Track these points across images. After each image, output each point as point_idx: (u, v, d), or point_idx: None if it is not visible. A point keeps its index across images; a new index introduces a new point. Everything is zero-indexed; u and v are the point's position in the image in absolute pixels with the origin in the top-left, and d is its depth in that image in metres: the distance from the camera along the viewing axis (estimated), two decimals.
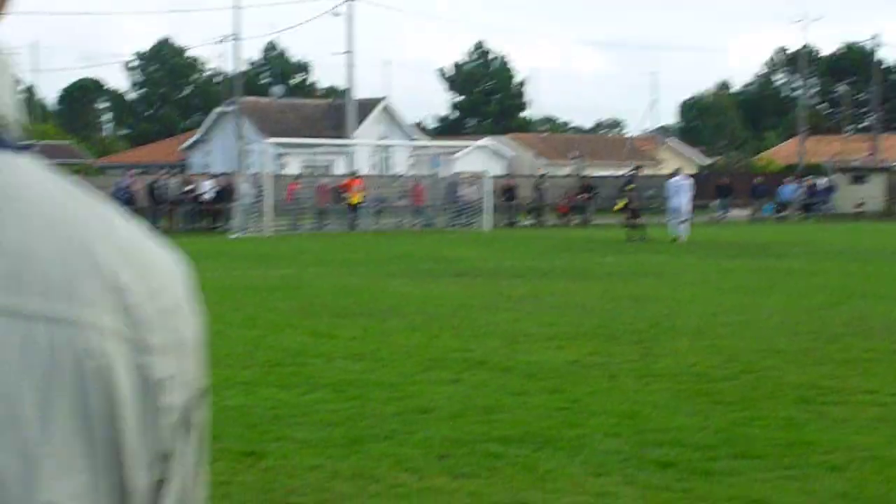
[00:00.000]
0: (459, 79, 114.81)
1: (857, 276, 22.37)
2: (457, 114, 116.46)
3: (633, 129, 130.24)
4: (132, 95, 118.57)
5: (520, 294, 18.87)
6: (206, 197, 45.56)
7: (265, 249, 32.55)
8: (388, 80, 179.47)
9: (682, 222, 36.49)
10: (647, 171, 73.58)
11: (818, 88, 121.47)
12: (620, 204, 44.99)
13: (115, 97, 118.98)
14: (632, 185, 37.78)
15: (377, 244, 35.56)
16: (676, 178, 39.05)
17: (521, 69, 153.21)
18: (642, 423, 8.82)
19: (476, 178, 51.48)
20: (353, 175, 48.20)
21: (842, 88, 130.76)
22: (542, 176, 52.44)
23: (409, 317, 15.71)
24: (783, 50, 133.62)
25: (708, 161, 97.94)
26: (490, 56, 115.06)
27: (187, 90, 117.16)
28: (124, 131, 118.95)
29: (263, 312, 16.19)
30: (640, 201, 38.31)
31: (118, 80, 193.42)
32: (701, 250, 31.17)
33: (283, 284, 20.76)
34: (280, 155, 66.21)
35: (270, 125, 79.18)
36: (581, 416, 9.12)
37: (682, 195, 37.29)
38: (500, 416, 9.16)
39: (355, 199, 45.51)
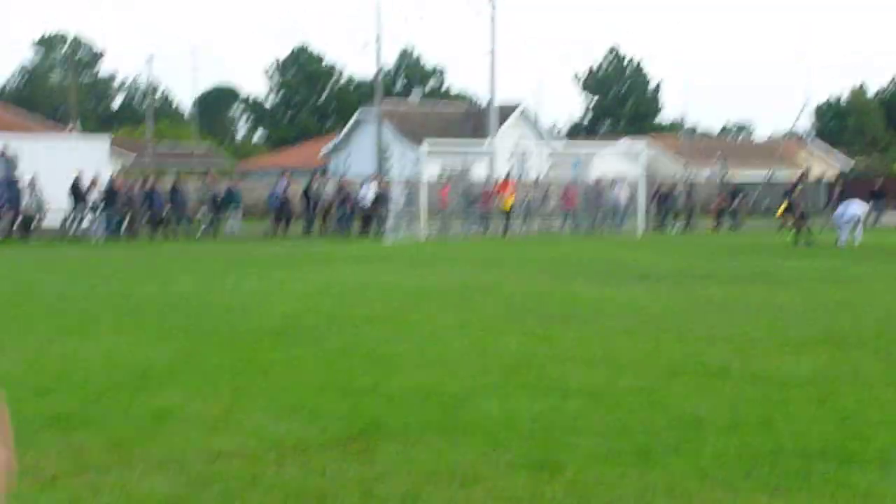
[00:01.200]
0: (594, 83, 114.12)
1: None
2: (590, 116, 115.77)
3: (760, 132, 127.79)
4: (269, 101, 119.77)
5: (716, 298, 18.34)
6: (365, 203, 45.52)
7: (427, 253, 32.36)
8: (521, 84, 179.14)
9: (857, 226, 35.69)
10: (786, 174, 72.27)
11: None
12: (783, 207, 44.13)
13: (253, 103, 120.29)
14: (799, 188, 36.94)
15: (537, 248, 35.20)
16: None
17: (654, 73, 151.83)
18: None
19: (625, 181, 50.88)
20: (506, 179, 47.87)
21: None
22: (695, 179, 51.20)
23: (619, 320, 15.30)
24: None
25: (850, 164, 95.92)
26: (624, 61, 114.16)
27: (324, 95, 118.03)
28: (260, 136, 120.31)
29: (466, 316, 15.89)
30: (806, 205, 37.44)
31: (254, 87, 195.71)
32: (875, 256, 30.29)
33: (467, 287, 20.48)
34: (420, 158, 66.32)
35: (410, 129, 79.38)
36: (867, 429, 8.62)
37: (856, 200, 36.62)
38: (778, 428, 8.70)
39: (508, 202, 45.22)
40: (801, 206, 36.39)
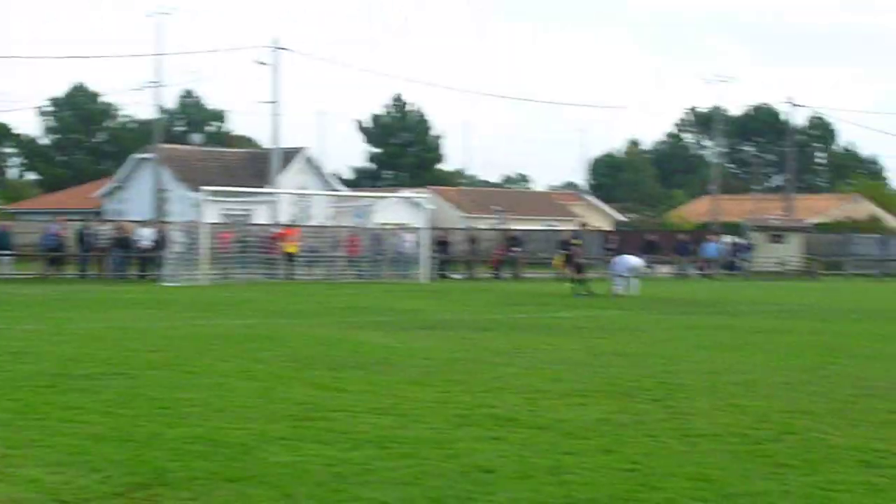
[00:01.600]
0: (377, 130, 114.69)
1: (827, 335, 22.36)
2: (373, 163, 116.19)
3: (540, 184, 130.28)
4: (44, 140, 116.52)
5: (502, 348, 18.51)
6: (144, 244, 44.66)
7: (209, 298, 31.88)
8: (305, 130, 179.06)
9: (634, 277, 36.63)
10: (562, 227, 73.88)
11: (726, 149, 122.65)
12: (559, 259, 44.98)
13: (26, 142, 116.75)
14: (578, 241, 37.67)
15: (321, 295, 35.06)
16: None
17: (436, 122, 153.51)
18: (723, 488, 8.48)
19: (410, 230, 51.20)
20: (291, 224, 47.63)
21: (749, 149, 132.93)
22: (476, 229, 51.65)
23: (406, 370, 15.28)
24: (693, 109, 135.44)
25: (623, 218, 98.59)
26: (407, 108, 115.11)
27: (101, 136, 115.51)
28: (33, 177, 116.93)
29: (252, 364, 15.66)
30: (584, 257, 38.22)
31: (27, 126, 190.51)
32: (648, 306, 31.09)
33: (254, 334, 20.24)
34: (201, 203, 65.48)
35: (190, 173, 78.30)
36: (654, 479, 8.75)
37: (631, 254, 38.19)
38: (571, 477, 8.77)
39: (292, 248, 44.97)
40: (579, 258, 37.13)
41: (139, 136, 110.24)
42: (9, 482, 8.31)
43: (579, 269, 36.86)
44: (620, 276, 36.45)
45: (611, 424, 11.23)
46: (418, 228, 51.20)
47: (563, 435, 10.59)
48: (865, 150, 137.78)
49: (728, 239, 65.06)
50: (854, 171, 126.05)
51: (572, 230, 40.83)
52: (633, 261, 36.82)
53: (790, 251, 67.07)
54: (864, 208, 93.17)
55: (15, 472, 8.65)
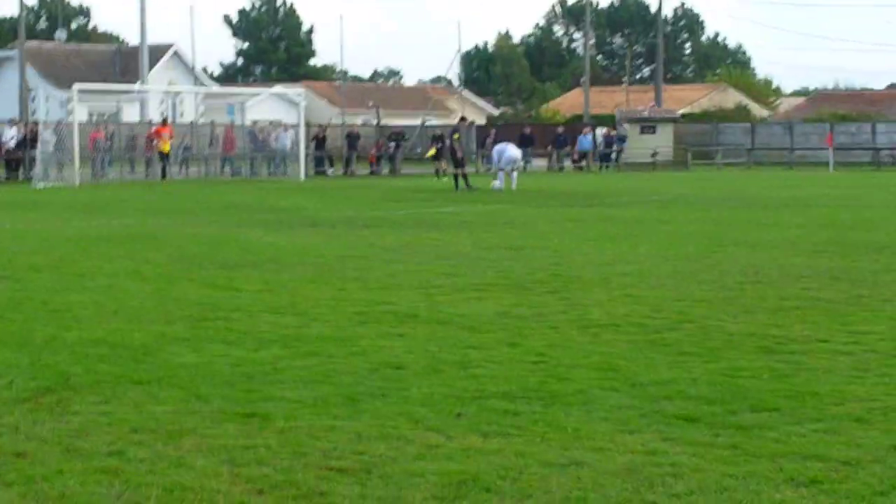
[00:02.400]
0: (246, 25, 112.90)
1: (707, 224, 22.74)
2: (242, 59, 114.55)
3: (409, 78, 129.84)
4: None
5: (391, 244, 18.49)
6: (10, 145, 43.59)
7: (84, 199, 31.34)
8: (173, 26, 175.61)
9: (513, 170, 36.69)
10: (436, 121, 73.85)
11: (594, 41, 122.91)
12: (432, 152, 44.91)
13: None
14: (458, 135, 37.58)
15: (199, 193, 34.65)
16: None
17: (307, 16, 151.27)
18: (630, 377, 8.58)
19: (284, 126, 50.69)
20: (163, 123, 46.80)
21: (618, 41, 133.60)
22: (359, 125, 51.10)
23: (299, 268, 15.18)
24: (562, 2, 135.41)
25: (496, 112, 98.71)
26: (276, 2, 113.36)
27: None
28: None
29: (140, 264, 15.43)
30: (463, 151, 38.19)
31: None
32: (530, 200, 31.28)
33: (136, 234, 19.93)
34: (68, 100, 64.03)
35: (56, 71, 76.50)
36: (561, 370, 8.83)
37: (510, 144, 37.99)
38: (480, 371, 8.81)
39: (166, 146, 44.25)
40: (459, 152, 37.08)
41: (1, 33, 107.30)
42: None
43: (460, 163, 36.82)
44: (501, 169, 36.51)
45: (511, 317, 11.29)
46: (293, 125, 50.72)
47: (465, 329, 10.63)
48: (732, 40, 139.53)
49: (601, 131, 65.52)
50: (721, 61, 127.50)
51: (453, 125, 40.58)
52: (513, 153, 36.83)
53: (661, 142, 67.80)
54: (731, 98, 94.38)
55: None
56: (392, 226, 22.30)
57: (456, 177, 36.55)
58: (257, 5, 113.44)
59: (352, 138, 52.92)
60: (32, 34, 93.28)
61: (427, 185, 39.09)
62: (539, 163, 60.46)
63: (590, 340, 10.11)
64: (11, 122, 46.05)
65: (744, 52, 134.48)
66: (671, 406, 7.72)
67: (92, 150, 44.74)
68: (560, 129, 63.47)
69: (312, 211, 26.58)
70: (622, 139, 65.46)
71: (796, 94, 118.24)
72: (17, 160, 44.20)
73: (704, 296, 12.68)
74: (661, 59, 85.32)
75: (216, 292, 12.88)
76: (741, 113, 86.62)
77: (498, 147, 37.78)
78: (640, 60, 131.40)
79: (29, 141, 43.26)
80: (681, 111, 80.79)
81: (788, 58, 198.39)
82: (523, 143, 58.80)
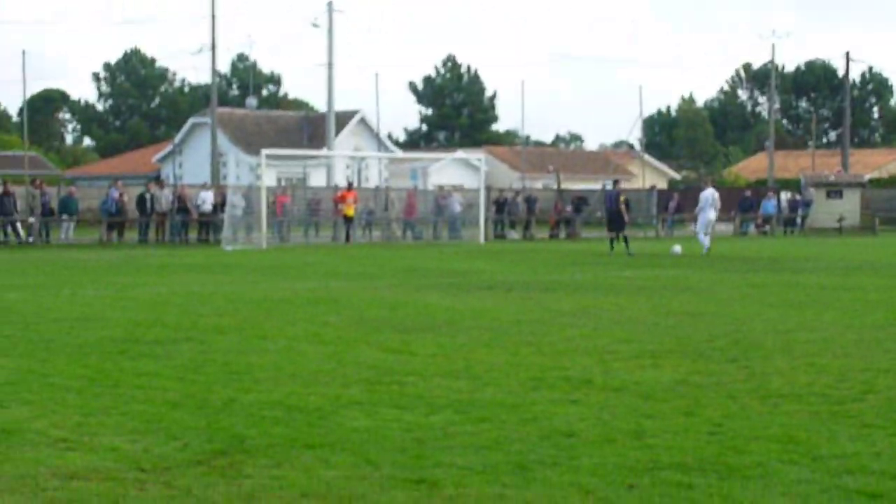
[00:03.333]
0: (430, 92, 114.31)
1: (893, 291, 22.02)
2: (425, 127, 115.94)
3: (590, 142, 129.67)
4: (99, 106, 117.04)
5: (567, 309, 18.31)
6: (206, 208, 44.79)
7: (270, 262, 31.88)
8: (359, 93, 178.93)
9: (707, 234, 36.45)
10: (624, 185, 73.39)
11: (778, 105, 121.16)
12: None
13: (83, 108, 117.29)
14: (624, 198, 37.31)
15: (381, 257, 34.98)
16: (708, 189, 38.55)
17: (490, 82, 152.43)
18: (811, 450, 8.26)
19: (464, 191, 51.01)
20: (348, 187, 47.54)
21: (804, 105, 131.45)
22: (533, 189, 50.91)
23: (473, 332, 15.13)
24: (748, 65, 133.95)
25: (678, 176, 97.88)
26: (461, 69, 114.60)
27: (156, 101, 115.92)
28: (89, 142, 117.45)
29: (319, 327, 15.56)
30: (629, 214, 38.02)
31: (83, 91, 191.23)
32: (713, 264, 30.80)
33: (318, 298, 20.14)
34: (257, 165, 65.60)
35: (246, 137, 78.51)
36: (739, 442, 8.55)
37: (710, 208, 37.10)
38: (653, 441, 8.58)
39: (350, 210, 44.89)
40: (626, 215, 36.88)
41: (194, 100, 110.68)
42: (87, 450, 8.23)
43: (621, 226, 36.59)
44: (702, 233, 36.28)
45: (688, 386, 11.03)
46: (473, 189, 51.01)
47: (640, 397, 10.41)
48: None
49: (786, 195, 64.38)
50: None
51: (614, 190, 40.13)
52: (707, 215, 36.64)
53: (848, 207, 66.23)
54: None
55: (92, 440, 8.57)
56: (569, 290, 22.13)
57: (613, 240, 36.29)
58: (442, 72, 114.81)
59: (531, 202, 52.93)
60: (224, 101, 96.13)
61: (604, 249, 38.76)
62: (722, 227, 59.62)
63: (769, 411, 9.79)
64: (206, 186, 47.27)
65: None
66: (853, 481, 7.40)
67: (280, 213, 45.63)
68: (747, 193, 62.49)
69: (489, 274, 26.58)
70: (807, 204, 64.21)
71: None
72: (209, 223, 45.33)
73: (891, 366, 12.21)
74: (848, 122, 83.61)
75: (392, 356, 12.89)
76: None
77: (701, 214, 37.23)
78: (827, 124, 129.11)
79: (220, 205, 44.36)
80: (868, 176, 78.91)
81: None
82: None
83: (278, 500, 6.99)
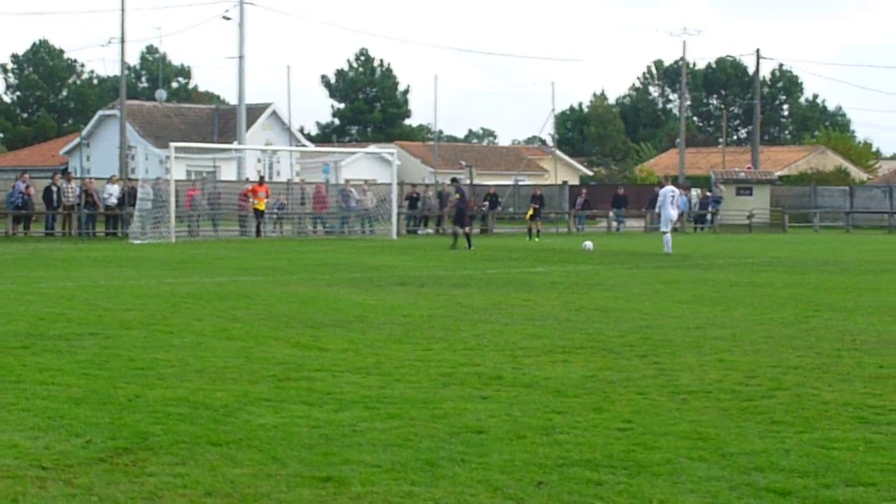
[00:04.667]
0: (343, 86, 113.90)
1: (804, 288, 22.28)
2: (338, 121, 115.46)
3: (503, 138, 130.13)
4: (7, 98, 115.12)
5: (479, 305, 18.29)
6: (111, 202, 44.22)
7: (179, 256, 31.55)
8: (270, 86, 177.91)
9: (665, 232, 34.71)
10: (528, 181, 73.80)
11: (689, 102, 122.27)
12: (530, 212, 44.96)
13: None
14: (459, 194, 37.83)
15: (292, 251, 34.76)
16: (667, 187, 36.56)
17: (403, 77, 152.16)
18: (720, 446, 8.29)
19: (375, 185, 50.87)
20: (259, 181, 47.21)
21: (715, 102, 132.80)
22: (452, 181, 50.31)
23: (385, 328, 15.05)
24: (660, 62, 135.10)
25: (590, 172, 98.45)
26: (374, 63, 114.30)
27: (64, 93, 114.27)
28: None
29: (228, 322, 15.40)
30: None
31: None
32: (624, 260, 30.98)
33: (227, 292, 19.93)
34: (167, 159, 64.92)
35: (155, 130, 77.68)
36: (648, 438, 8.56)
37: (671, 205, 34.96)
38: (563, 437, 8.56)
39: (261, 204, 44.56)
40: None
41: (103, 93, 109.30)
42: None
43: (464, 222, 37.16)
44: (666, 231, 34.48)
45: (598, 381, 11.04)
46: (385, 184, 50.89)
47: (550, 393, 10.40)
48: (831, 102, 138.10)
49: (696, 192, 65.03)
50: (820, 123, 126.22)
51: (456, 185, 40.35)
52: (670, 214, 34.73)
53: (758, 204, 67.08)
54: (830, 160, 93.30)
55: None
56: (481, 285, 22.12)
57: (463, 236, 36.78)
58: (355, 66, 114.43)
59: (443, 197, 52.94)
60: (134, 94, 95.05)
61: (518, 244, 38.89)
62: (633, 223, 60.11)
63: (679, 407, 9.82)
64: (112, 180, 46.66)
65: (843, 115, 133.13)
66: (762, 478, 7.43)
67: (189, 207, 45.17)
68: (656, 190, 62.97)
69: (402, 269, 26.50)
70: (717, 201, 64.90)
71: None
72: (116, 217, 44.78)
73: (799, 363, 12.32)
74: (759, 120, 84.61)
75: (301, 351, 12.77)
76: (840, 176, 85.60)
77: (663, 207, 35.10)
78: (737, 122, 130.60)
79: (128, 198, 43.80)
80: (778, 173, 79.95)
81: (888, 120, 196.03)
82: (617, 203, 58.60)
83: (182, 498, 6.86)
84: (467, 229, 36.95)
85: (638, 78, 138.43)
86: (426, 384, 10.77)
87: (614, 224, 58.40)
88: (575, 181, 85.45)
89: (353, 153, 79.44)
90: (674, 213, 35.31)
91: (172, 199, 41.56)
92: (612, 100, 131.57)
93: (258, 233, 44.60)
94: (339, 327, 15.01)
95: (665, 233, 34.66)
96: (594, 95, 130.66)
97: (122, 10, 61.58)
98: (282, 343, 13.44)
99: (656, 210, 36.90)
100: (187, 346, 13.03)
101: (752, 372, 11.65)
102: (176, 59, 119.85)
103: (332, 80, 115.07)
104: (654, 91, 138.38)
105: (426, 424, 8.95)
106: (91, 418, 9.01)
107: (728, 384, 10.94)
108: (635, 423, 9.10)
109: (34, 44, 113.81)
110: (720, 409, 9.74)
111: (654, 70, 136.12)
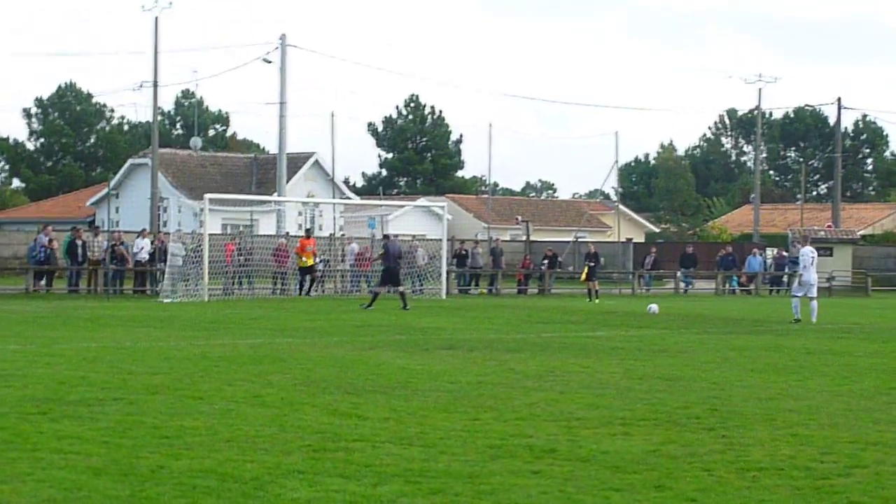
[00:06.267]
0: (391, 135, 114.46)
1: (886, 357, 22.12)
2: (385, 172, 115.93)
3: (563, 192, 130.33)
4: (30, 145, 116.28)
5: (533, 371, 18.26)
6: (142, 256, 44.58)
7: (212, 316, 31.71)
8: (313, 134, 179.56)
9: (813, 298, 33.48)
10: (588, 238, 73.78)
11: (765, 154, 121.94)
12: (585, 271, 44.93)
13: (11, 146, 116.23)
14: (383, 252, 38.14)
15: (335, 311, 34.84)
16: (807, 247, 34.77)
17: (455, 125, 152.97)
18: None
19: (425, 240, 50.97)
20: (307, 235, 47.35)
21: (793, 155, 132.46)
22: (384, 237, 49.75)
23: (430, 395, 15.05)
24: (733, 111, 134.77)
25: (657, 229, 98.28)
26: (424, 110, 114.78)
27: (91, 140, 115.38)
28: (18, 184, 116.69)
29: (262, 388, 15.45)
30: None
31: (12, 129, 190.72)
32: (692, 324, 30.87)
33: (261, 355, 20.00)
34: (202, 212, 65.46)
35: (189, 180, 78.30)
36: None
37: (812, 267, 33.53)
38: None
39: (310, 260, 44.62)
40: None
41: (134, 140, 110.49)
42: None
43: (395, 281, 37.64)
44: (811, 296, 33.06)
45: (660, 456, 10.98)
46: (435, 240, 51.01)
47: (608, 468, 10.36)
48: None
49: (773, 252, 64.74)
50: None
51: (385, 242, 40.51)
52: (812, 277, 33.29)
53: (838, 265, 66.64)
54: None
55: None
56: (535, 350, 22.10)
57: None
58: (404, 113, 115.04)
59: (496, 255, 52.98)
60: (167, 141, 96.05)
61: (577, 306, 38.83)
62: (703, 285, 59.91)
63: (748, 485, 9.77)
64: (143, 233, 47.01)
65: None
66: None
67: (229, 262, 45.24)
68: (728, 249, 62.77)
69: (451, 332, 26.52)
70: (795, 261, 64.51)
71: None
72: (145, 273, 45.12)
73: (879, 438, 12.21)
74: (840, 174, 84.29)
75: (339, 420, 12.79)
76: None
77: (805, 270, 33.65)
78: (817, 176, 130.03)
79: (159, 253, 44.12)
80: (861, 232, 79.48)
81: None
82: (685, 263, 58.45)
83: None
84: (391, 289, 37.50)
85: (709, 128, 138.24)
86: (473, 457, 10.75)
87: (682, 285, 58.20)
88: (640, 238, 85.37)
89: (402, 206, 79.74)
90: (814, 277, 33.75)
91: (206, 254, 41.81)
92: (680, 151, 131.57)
93: (301, 290, 44.63)
94: (380, 394, 15.03)
95: (811, 298, 33.31)
96: (661, 146, 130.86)
97: (156, 51, 62.53)
98: (318, 410, 13.46)
99: (799, 272, 34.76)
100: (217, 414, 13.08)
101: (829, 448, 11.56)
102: (213, 105, 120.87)
103: (380, 128, 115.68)
104: (726, 142, 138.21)
105: (472, 501, 8.94)
106: (111, 490, 9.05)
107: (802, 461, 10.87)
108: (700, 502, 9.05)
109: (60, 87, 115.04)
110: (793, 488, 9.67)
111: (726, 120, 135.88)
